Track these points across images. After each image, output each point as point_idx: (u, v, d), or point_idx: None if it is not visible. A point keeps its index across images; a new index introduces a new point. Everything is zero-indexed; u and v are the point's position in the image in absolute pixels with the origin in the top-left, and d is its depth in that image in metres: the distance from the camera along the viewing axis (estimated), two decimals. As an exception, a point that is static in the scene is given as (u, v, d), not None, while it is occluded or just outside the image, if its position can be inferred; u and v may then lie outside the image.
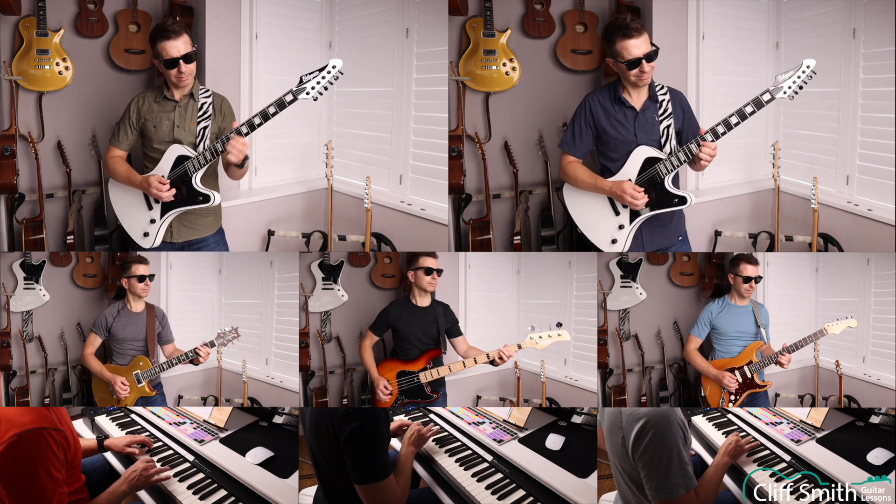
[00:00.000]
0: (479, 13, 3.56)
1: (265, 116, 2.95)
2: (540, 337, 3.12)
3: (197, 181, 3.04)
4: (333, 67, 2.92)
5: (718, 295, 3.65)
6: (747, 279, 3.41)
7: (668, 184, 3.00)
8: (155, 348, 3.50)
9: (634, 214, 3.06)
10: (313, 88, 2.92)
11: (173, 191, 3.03)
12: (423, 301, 3.38)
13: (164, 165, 3.08)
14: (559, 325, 3.13)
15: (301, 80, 2.93)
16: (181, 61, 2.98)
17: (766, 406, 3.33)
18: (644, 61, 2.92)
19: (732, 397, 3.39)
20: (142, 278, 3.47)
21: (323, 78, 2.92)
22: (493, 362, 3.17)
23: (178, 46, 2.97)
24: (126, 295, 3.54)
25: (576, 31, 3.62)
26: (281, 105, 2.94)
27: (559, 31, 3.63)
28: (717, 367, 3.44)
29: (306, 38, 3.83)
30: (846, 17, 3.50)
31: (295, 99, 2.94)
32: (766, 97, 2.87)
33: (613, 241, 3.10)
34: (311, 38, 3.85)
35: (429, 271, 3.32)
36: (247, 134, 2.97)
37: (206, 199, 3.04)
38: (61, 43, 3.47)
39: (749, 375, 3.39)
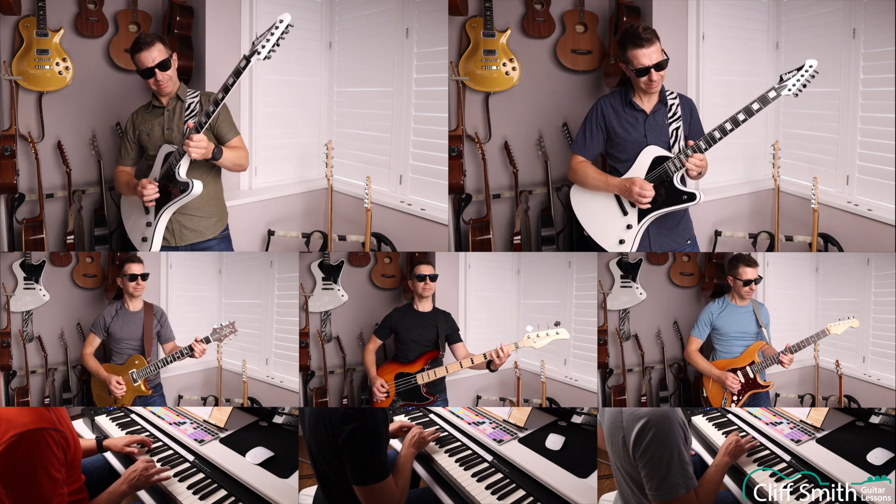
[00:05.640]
0: (479, 13, 3.56)
1: (226, 89, 2.91)
2: (538, 336, 3.10)
3: (180, 172, 3.02)
4: (281, 22, 2.85)
5: (718, 295, 3.64)
6: (747, 282, 3.40)
7: (676, 181, 3.01)
8: (152, 347, 3.48)
9: (643, 214, 3.06)
10: (263, 48, 2.86)
11: (155, 191, 3.03)
12: (424, 307, 3.41)
13: (157, 167, 3.10)
14: (557, 323, 3.12)
15: (253, 45, 2.89)
16: (156, 69, 3.02)
17: (767, 406, 3.33)
18: (653, 70, 2.96)
19: (735, 398, 3.39)
20: (133, 277, 3.44)
21: (272, 35, 2.86)
22: (489, 364, 3.13)
23: (153, 55, 3.01)
24: (124, 294, 3.52)
25: (576, 31, 3.62)
26: (237, 73, 2.89)
27: (559, 31, 3.63)
28: (719, 368, 3.44)
29: (306, 38, 3.83)
30: (846, 17, 3.50)
31: (248, 62, 2.88)
32: (772, 94, 2.86)
33: (621, 242, 3.10)
34: (311, 38, 3.85)
35: (421, 277, 3.35)
36: (204, 125, 2.95)
37: (185, 186, 3.02)
38: (61, 43, 3.47)
39: (752, 376, 3.38)
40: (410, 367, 3.31)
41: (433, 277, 3.38)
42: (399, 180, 3.68)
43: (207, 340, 3.28)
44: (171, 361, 3.36)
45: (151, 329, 3.50)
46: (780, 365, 3.34)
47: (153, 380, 3.47)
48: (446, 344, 3.38)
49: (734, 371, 3.40)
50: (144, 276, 3.48)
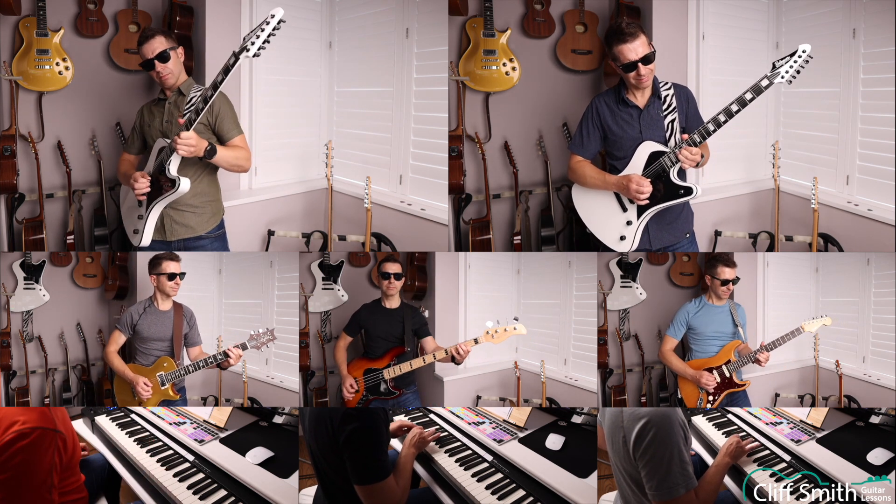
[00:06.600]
0: (479, 13, 3.56)
1: (215, 87, 2.87)
2: (496, 331, 3.11)
3: (170, 169, 3.00)
4: (272, 17, 2.78)
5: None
6: (724, 282, 3.40)
7: (673, 176, 3.00)
8: (181, 349, 3.34)
9: (642, 210, 3.06)
10: (253, 44, 2.78)
11: (146, 185, 3.02)
12: (391, 303, 3.42)
13: (151, 161, 3.09)
14: (516, 318, 3.14)
15: (244, 41, 2.82)
16: (156, 61, 3.05)
17: (746, 406, 3.32)
18: (640, 64, 2.95)
19: (710, 398, 3.38)
20: (172, 276, 3.29)
21: (262, 31, 2.78)
22: (453, 359, 3.15)
23: (153, 47, 3.04)
24: (154, 292, 3.36)
25: (576, 31, 3.62)
26: (226, 71, 2.84)
27: (559, 31, 3.63)
28: (694, 368, 3.43)
29: (306, 38, 3.83)
30: (846, 17, 3.50)
31: (237, 60, 2.81)
32: (765, 83, 2.86)
33: (622, 238, 3.10)
34: (311, 38, 3.85)
35: (385, 275, 3.36)
36: (194, 121, 2.91)
37: (173, 183, 3.00)
38: (61, 43, 3.47)
39: (727, 375, 3.37)
40: (378, 363, 3.34)
41: (398, 276, 3.38)
42: (399, 180, 3.68)
43: (244, 347, 3.17)
44: (201, 367, 3.19)
45: (181, 330, 3.34)
46: (756, 364, 3.33)
47: (179, 383, 3.33)
48: (415, 338, 3.40)
49: (710, 370, 3.39)
50: (182, 275, 3.35)
